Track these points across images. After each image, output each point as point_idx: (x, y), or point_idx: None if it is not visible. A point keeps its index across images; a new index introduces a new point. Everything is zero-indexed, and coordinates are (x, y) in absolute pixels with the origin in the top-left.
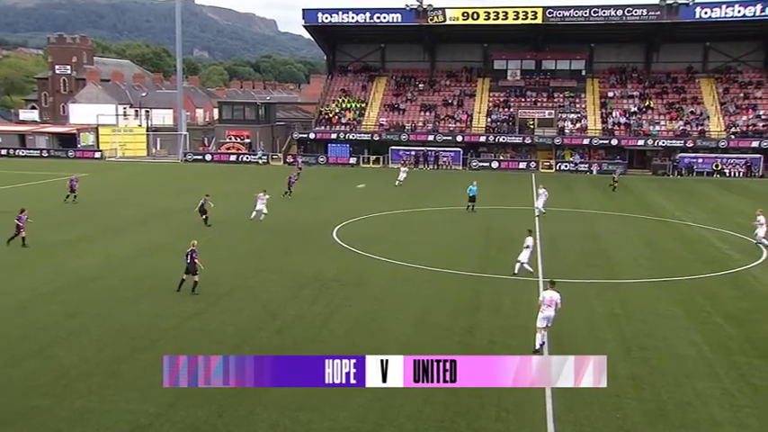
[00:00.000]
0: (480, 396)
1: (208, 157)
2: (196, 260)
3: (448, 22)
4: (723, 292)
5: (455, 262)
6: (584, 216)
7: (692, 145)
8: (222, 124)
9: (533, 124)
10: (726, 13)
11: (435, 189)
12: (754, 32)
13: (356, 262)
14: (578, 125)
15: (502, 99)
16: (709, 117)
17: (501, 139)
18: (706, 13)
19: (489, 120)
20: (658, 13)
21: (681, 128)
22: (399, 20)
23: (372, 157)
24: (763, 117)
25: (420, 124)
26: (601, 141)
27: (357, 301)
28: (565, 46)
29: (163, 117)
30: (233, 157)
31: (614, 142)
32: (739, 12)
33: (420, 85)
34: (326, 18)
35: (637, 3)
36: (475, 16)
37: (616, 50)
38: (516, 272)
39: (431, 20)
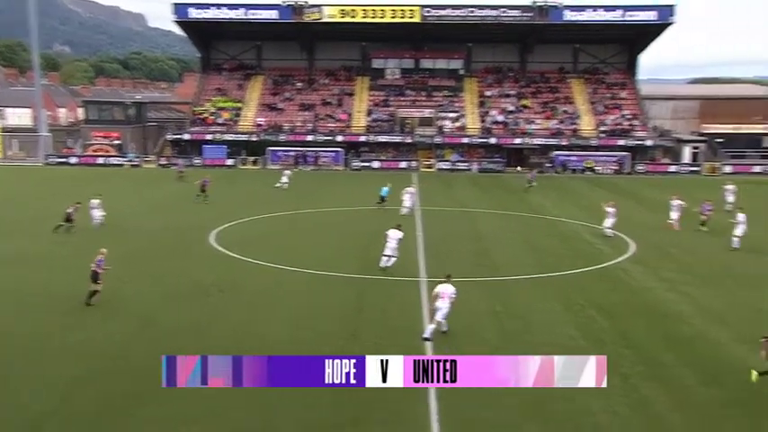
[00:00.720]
0: (366, 399)
1: (73, 160)
2: (99, 269)
3: (325, 19)
4: (596, 287)
5: (338, 264)
6: (467, 215)
7: (566, 143)
8: (89, 125)
9: (412, 123)
10: (591, 17)
11: (316, 190)
12: (618, 36)
13: (235, 267)
14: (457, 124)
15: (381, 98)
16: (580, 116)
17: (381, 139)
18: (574, 16)
19: (369, 119)
20: (531, 14)
21: (555, 126)
22: (275, 17)
23: (251, 159)
24: (627, 117)
25: (299, 124)
26: (480, 140)
27: (237, 308)
28: (443, 45)
29: (19, 116)
30: (101, 160)
31: (493, 141)
32: (603, 16)
33: (298, 84)
34: (199, 13)
35: (511, 4)
36: (352, 14)
37: (492, 50)
38: (383, 266)
39: (308, 17)
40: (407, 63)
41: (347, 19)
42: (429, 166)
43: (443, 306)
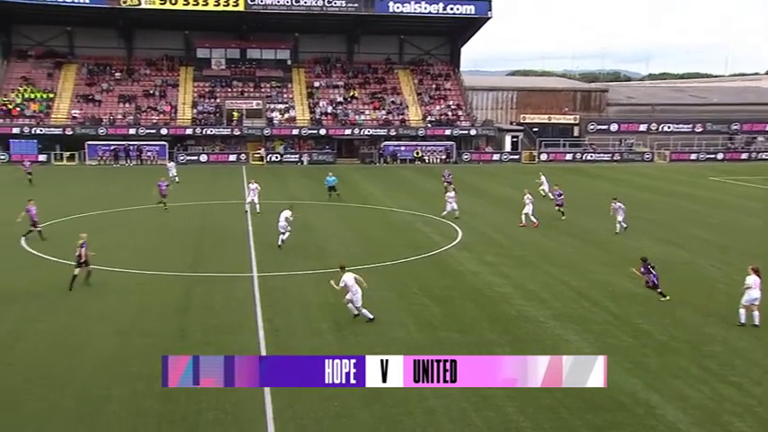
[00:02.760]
0: (198, 401)
1: None
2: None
3: (143, 6)
4: (427, 273)
5: (165, 263)
6: (298, 207)
7: (394, 133)
8: None
9: (239, 114)
10: (415, 9)
11: (140, 186)
12: (441, 28)
13: (52, 271)
14: (287, 115)
15: (207, 89)
16: (408, 107)
17: (209, 132)
18: (398, 7)
19: (195, 111)
20: (356, 5)
21: (383, 117)
22: (86, 1)
23: (66, 154)
24: (452, 107)
25: (119, 117)
26: (309, 131)
27: (55, 315)
28: (269, 35)
29: None
30: None
31: (323, 132)
32: (426, 8)
33: (117, 75)
34: None
35: None
36: (173, 1)
37: (320, 40)
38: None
39: (123, 3)
40: (233, 53)
41: (168, 6)
42: (260, 159)
43: (359, 295)
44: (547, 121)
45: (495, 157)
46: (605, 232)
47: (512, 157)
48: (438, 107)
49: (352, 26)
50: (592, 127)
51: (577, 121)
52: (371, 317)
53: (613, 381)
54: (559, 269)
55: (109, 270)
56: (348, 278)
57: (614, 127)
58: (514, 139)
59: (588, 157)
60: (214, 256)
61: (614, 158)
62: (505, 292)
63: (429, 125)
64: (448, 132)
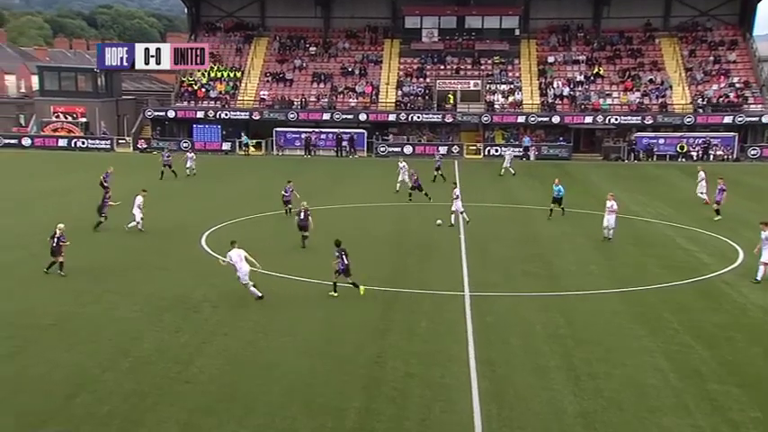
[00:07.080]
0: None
1: (26, 142)
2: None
3: None
4: (692, 305)
5: (359, 274)
6: (521, 213)
7: (651, 122)
8: (45, 97)
9: (454, 98)
10: None
11: (335, 181)
12: None
13: (233, 277)
14: (511, 99)
15: (416, 66)
16: (671, 87)
17: (415, 118)
18: None
19: (400, 93)
20: None
21: (637, 101)
22: None
23: (252, 142)
24: (737, 86)
25: (312, 99)
26: (539, 119)
27: (235, 328)
28: None
29: None
30: (63, 142)
31: (556, 120)
32: None
33: (311, 49)
34: None
35: None
36: None
37: (558, 3)
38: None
39: None
40: (449, 21)
41: None
42: (476, 152)
43: (247, 268)
44: None
45: None
46: None
47: None
48: (715, 86)
49: None
50: None
51: None
52: (260, 294)
53: None
54: None
55: (295, 279)
56: (233, 254)
57: None
58: None
59: None
60: (417, 269)
61: None
62: None
63: (700, 110)
64: (728, 120)
